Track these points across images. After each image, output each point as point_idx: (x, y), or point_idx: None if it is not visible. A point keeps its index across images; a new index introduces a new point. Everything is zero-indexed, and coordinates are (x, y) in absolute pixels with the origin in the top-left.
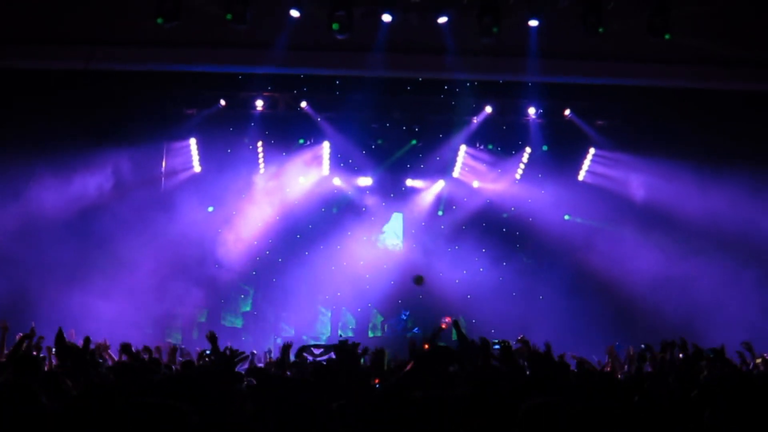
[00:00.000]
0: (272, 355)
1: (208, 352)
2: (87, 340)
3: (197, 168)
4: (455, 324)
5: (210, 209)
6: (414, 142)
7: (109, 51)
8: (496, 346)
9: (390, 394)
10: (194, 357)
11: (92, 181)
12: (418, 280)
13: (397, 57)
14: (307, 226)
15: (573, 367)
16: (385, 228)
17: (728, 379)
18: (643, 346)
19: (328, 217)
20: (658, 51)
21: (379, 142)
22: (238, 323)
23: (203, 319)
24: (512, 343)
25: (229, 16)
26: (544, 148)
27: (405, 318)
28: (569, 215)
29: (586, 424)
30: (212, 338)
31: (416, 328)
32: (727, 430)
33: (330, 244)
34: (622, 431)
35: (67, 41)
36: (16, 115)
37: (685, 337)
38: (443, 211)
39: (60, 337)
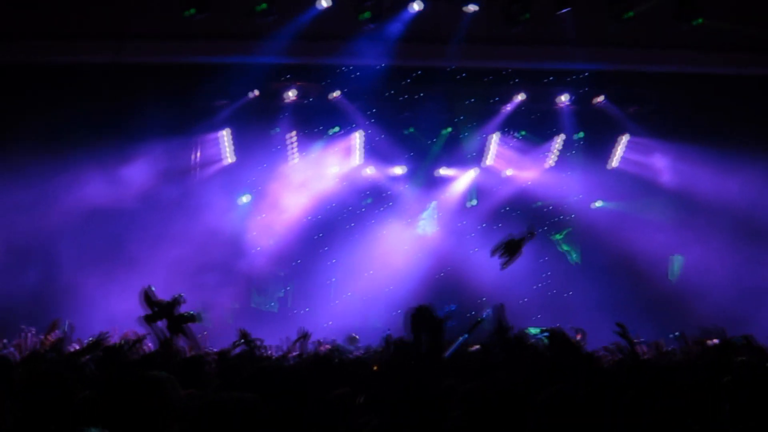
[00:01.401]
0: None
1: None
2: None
3: (230, 159)
4: (499, 310)
5: (244, 200)
6: (449, 130)
7: (139, 44)
8: (544, 335)
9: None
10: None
11: (126, 174)
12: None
13: (427, 46)
14: (339, 215)
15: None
16: (424, 215)
17: (757, 367)
18: (676, 333)
19: (361, 206)
20: (691, 37)
21: (411, 130)
22: (275, 308)
23: (237, 306)
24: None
25: (264, 6)
26: (580, 135)
27: (451, 310)
28: (602, 201)
29: (610, 411)
30: (244, 335)
31: (452, 305)
32: (751, 418)
33: (363, 234)
34: (649, 419)
35: (97, 35)
36: (47, 110)
37: (724, 325)
38: (476, 200)
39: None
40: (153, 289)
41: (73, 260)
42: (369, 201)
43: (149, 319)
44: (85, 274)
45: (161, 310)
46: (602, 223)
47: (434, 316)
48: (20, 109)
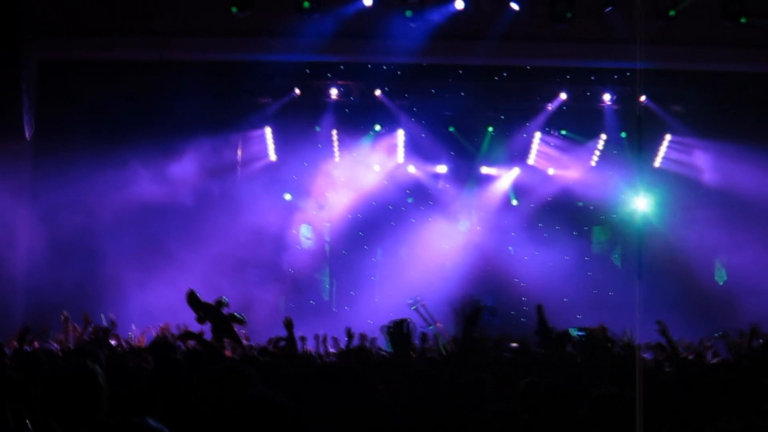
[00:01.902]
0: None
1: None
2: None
3: (273, 157)
4: (539, 310)
5: (287, 197)
6: (491, 128)
7: (183, 41)
8: (580, 333)
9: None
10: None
11: (170, 171)
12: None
13: (469, 43)
14: (381, 214)
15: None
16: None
17: None
18: (719, 333)
19: (403, 205)
20: (735, 35)
21: (451, 129)
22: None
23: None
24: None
25: (307, 4)
26: (623, 134)
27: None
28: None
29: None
30: (288, 325)
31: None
32: None
33: (405, 232)
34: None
35: (143, 32)
36: (93, 108)
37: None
38: (517, 200)
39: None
40: (197, 293)
41: (116, 255)
42: (411, 200)
43: (199, 321)
44: (127, 269)
45: (207, 313)
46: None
47: (474, 308)
48: (66, 106)
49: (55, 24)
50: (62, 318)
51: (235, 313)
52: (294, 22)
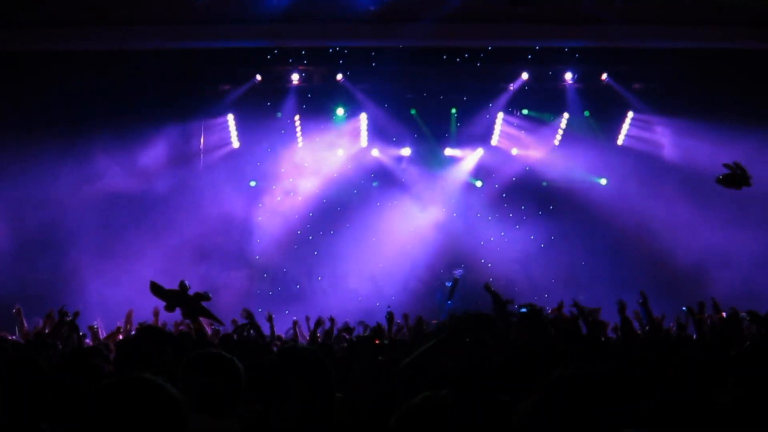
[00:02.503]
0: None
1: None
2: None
3: (235, 144)
4: (487, 287)
5: (252, 184)
6: (455, 110)
7: (142, 30)
8: (522, 310)
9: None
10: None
11: (132, 160)
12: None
13: (431, 25)
14: (346, 198)
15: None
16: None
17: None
18: (684, 308)
19: (368, 189)
20: (695, 13)
21: (413, 112)
22: None
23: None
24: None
25: None
26: (586, 113)
27: (449, 286)
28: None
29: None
30: (249, 316)
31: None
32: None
33: (371, 217)
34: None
35: (101, 22)
36: (50, 98)
37: (731, 302)
38: (482, 181)
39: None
40: (158, 282)
41: (77, 247)
42: (375, 184)
43: (168, 309)
44: (88, 261)
45: (174, 299)
46: (610, 201)
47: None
48: (25, 98)
49: (10, 14)
50: (14, 312)
51: (199, 292)
52: (251, 7)
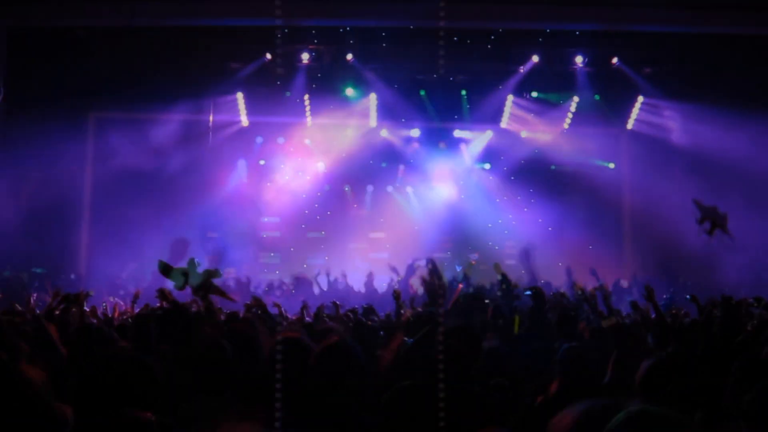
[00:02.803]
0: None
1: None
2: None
3: (245, 122)
4: (496, 267)
5: (261, 162)
6: (464, 92)
7: (153, 6)
8: (527, 293)
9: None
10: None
11: (143, 138)
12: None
13: (441, 6)
14: (355, 177)
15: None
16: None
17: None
18: (688, 297)
19: (377, 169)
20: None
21: (422, 93)
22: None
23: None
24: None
25: None
26: (596, 97)
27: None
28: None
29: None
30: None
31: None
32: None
33: (379, 196)
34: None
35: None
36: (61, 75)
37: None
38: (490, 164)
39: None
40: (166, 262)
41: (86, 223)
42: (384, 164)
43: (177, 287)
44: (97, 237)
45: (184, 277)
46: (618, 184)
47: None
48: (36, 73)
49: None
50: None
51: (209, 269)
52: None
